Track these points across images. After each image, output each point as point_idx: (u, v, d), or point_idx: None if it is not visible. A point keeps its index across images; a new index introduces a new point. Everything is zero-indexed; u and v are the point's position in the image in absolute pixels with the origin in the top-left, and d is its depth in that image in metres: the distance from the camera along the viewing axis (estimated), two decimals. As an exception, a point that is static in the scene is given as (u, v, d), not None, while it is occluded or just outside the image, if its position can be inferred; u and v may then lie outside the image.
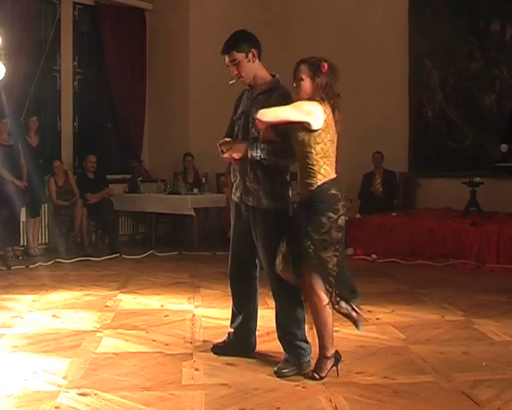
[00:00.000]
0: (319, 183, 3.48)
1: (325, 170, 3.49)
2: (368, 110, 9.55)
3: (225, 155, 3.71)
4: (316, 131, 3.47)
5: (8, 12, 8.20)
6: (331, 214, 3.45)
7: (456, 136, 9.39)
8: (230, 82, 3.85)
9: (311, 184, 3.49)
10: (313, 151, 3.47)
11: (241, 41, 3.74)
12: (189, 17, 9.98)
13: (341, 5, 10.11)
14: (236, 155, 3.67)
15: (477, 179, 8.28)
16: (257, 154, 3.60)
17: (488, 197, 8.36)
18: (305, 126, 3.46)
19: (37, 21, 8.93)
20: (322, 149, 3.48)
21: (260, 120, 3.49)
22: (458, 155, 9.32)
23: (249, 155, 3.62)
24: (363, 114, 9.35)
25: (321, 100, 3.49)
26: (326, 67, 3.52)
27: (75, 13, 9.46)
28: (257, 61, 3.77)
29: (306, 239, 3.44)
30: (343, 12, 10.10)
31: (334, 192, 3.48)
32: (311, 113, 3.45)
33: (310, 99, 3.51)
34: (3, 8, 8.09)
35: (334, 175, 3.53)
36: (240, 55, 3.71)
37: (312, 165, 3.48)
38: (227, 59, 3.75)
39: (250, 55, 3.72)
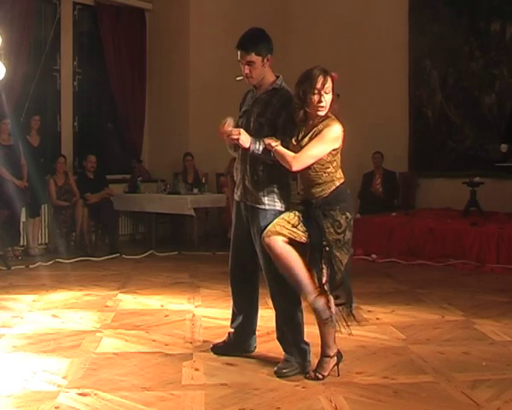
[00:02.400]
0: (337, 184, 3.51)
1: (339, 174, 3.54)
2: (368, 110, 9.55)
3: (231, 137, 3.53)
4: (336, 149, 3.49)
5: (8, 12, 8.19)
6: (348, 214, 3.47)
7: (456, 136, 9.39)
8: (238, 78, 3.80)
9: (329, 187, 3.49)
10: (330, 165, 3.49)
11: (261, 43, 3.68)
12: (189, 17, 9.97)
13: (341, 5, 10.13)
14: (241, 141, 3.53)
15: (477, 179, 8.28)
16: (258, 148, 3.54)
17: (488, 197, 8.36)
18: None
19: (37, 21, 8.92)
20: (336, 160, 3.51)
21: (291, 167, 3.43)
22: (458, 155, 9.32)
23: (250, 150, 3.56)
24: (364, 114, 9.35)
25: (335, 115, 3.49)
26: (337, 77, 3.49)
27: (75, 13, 9.46)
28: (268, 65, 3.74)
29: (323, 238, 3.43)
30: (343, 12, 10.11)
31: (349, 192, 3.55)
32: (338, 138, 3.46)
33: (328, 112, 3.48)
34: (3, 8, 8.08)
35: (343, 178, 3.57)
36: (258, 59, 3.65)
37: (330, 172, 3.49)
38: (243, 57, 3.66)
39: (265, 60, 3.69)
